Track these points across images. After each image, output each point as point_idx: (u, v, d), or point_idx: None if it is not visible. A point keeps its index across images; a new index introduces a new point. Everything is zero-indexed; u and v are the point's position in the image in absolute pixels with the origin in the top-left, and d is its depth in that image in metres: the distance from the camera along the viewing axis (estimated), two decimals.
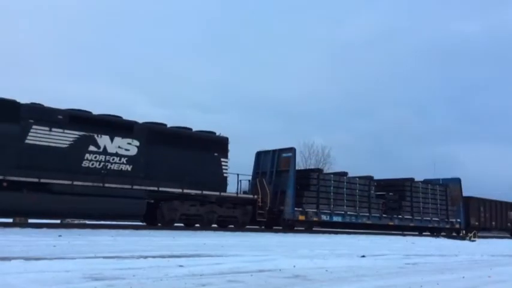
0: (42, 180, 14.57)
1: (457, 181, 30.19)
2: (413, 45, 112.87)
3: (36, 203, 14.43)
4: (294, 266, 7.98)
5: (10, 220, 16.28)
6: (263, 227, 21.19)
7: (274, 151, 22.45)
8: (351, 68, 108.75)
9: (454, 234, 27.98)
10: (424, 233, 28.09)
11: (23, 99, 15.15)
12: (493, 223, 33.24)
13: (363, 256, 10.86)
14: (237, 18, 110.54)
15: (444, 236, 26.70)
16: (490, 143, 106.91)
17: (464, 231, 28.85)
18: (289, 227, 22.07)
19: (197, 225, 18.61)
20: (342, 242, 16.54)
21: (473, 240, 24.71)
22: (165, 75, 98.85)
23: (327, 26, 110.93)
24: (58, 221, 17.92)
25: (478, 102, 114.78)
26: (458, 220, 29.45)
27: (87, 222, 18.88)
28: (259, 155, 23.03)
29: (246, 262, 8.14)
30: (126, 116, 17.32)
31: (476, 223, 31.48)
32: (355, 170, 26.47)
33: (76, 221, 19.94)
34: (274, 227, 21.63)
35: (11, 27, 77.72)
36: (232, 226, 19.71)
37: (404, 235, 25.19)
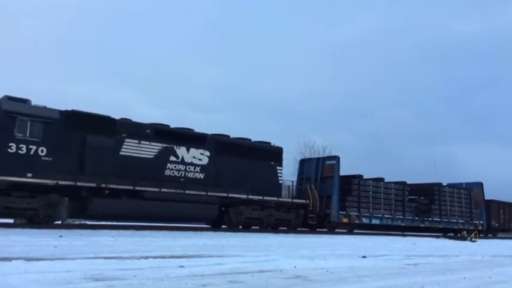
0: (137, 188, 16.48)
1: (480, 185, 32.70)
2: (413, 45, 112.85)
3: (132, 208, 16.35)
4: (295, 267, 7.98)
5: (11, 220, 16.27)
6: (308, 229, 22.93)
7: (318, 159, 24.92)
8: (351, 68, 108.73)
9: (450, 234, 27.99)
10: (448, 234, 29.65)
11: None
12: (511, 224, 35.79)
13: (364, 257, 10.85)
14: (237, 18, 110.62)
15: (445, 237, 26.67)
16: (490, 143, 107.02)
17: (465, 233, 28.83)
18: (332, 228, 23.75)
19: (255, 227, 20.53)
20: (343, 242, 16.52)
21: (474, 241, 24.68)
22: (165, 75, 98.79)
23: (326, 26, 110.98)
24: (59, 222, 17.98)
25: (478, 102, 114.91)
26: (481, 222, 31.73)
27: (88, 222, 18.88)
28: (303, 162, 25.28)
29: (246, 263, 8.13)
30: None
31: (497, 224, 34.00)
32: (354, 170, 26.53)
33: (77, 222, 19.92)
34: (318, 229, 23.49)
35: (11, 27, 77.90)
36: (285, 228, 21.51)
37: (405, 235, 25.16)
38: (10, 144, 14.39)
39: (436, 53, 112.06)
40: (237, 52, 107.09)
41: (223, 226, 19.73)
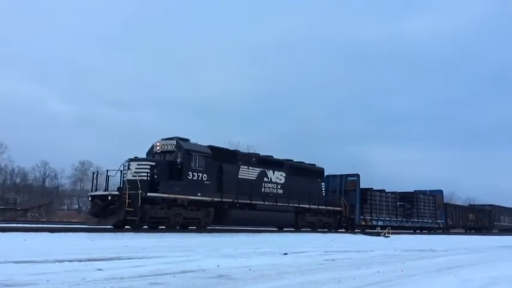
0: (252, 202, 22.35)
1: (440, 192, 42.39)
2: (328, 48, 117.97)
3: (250, 216, 22.46)
4: (218, 266, 7.97)
5: None
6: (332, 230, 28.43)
7: (341, 175, 31.42)
8: (271, 68, 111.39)
9: (368, 230, 29.64)
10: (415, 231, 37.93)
11: None
12: (460, 222, 45.75)
13: (285, 254, 11.09)
14: (157, 16, 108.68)
15: (361, 233, 28.00)
16: (396, 143, 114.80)
17: (379, 229, 30.44)
18: (353, 229, 29.78)
19: (307, 228, 26.61)
20: (265, 240, 16.77)
21: (387, 236, 26.11)
22: (78, 70, 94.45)
23: (249, 27, 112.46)
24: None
25: (385, 104, 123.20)
26: (442, 221, 40.80)
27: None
28: (328, 178, 30.61)
29: (168, 263, 8.00)
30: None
31: (451, 222, 43.34)
32: None
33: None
34: (339, 230, 29.34)
35: None
36: (326, 230, 27.36)
37: (325, 232, 26.09)
38: (189, 173, 19.62)
39: (349, 57, 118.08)
40: (156, 50, 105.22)
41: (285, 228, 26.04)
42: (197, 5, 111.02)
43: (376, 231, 29.37)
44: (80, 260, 7.76)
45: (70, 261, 7.58)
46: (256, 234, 20.71)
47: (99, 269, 6.85)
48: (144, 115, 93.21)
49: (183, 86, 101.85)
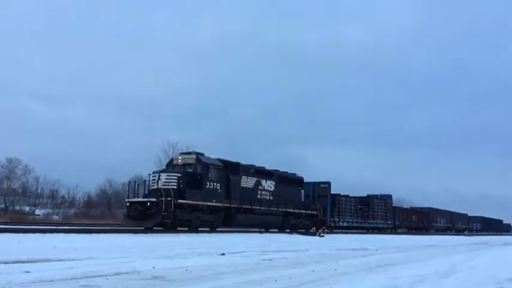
0: (252, 207, 25.71)
1: (390, 197, 47.74)
2: (262, 49, 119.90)
3: (251, 220, 25.99)
4: (154, 267, 7.83)
5: None
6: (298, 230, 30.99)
7: (314, 183, 34.82)
8: (205, 68, 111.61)
9: (311, 230, 30.44)
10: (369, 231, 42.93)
11: None
12: (405, 223, 51.31)
13: (223, 254, 11.09)
14: (93, 9, 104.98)
15: (297, 232, 28.54)
16: (326, 145, 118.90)
17: (314, 228, 31.18)
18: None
19: (285, 230, 29.35)
20: (203, 240, 16.64)
21: (322, 236, 26.78)
22: (3, 61, 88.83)
23: (184, 25, 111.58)
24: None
25: (319, 107, 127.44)
26: (391, 222, 45.83)
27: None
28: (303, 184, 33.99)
29: (101, 265, 7.74)
30: None
31: (398, 223, 48.59)
32: None
33: None
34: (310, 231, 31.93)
35: None
36: (304, 230, 30.32)
37: (262, 232, 26.39)
38: (207, 183, 22.77)
39: (285, 59, 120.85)
40: (89, 44, 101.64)
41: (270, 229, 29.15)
42: (135, 1, 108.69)
43: (312, 231, 30.08)
44: (6, 262, 7.34)
45: None
46: (193, 234, 20.58)
47: (27, 272, 6.51)
48: (75, 111, 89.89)
49: (116, 83, 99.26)
